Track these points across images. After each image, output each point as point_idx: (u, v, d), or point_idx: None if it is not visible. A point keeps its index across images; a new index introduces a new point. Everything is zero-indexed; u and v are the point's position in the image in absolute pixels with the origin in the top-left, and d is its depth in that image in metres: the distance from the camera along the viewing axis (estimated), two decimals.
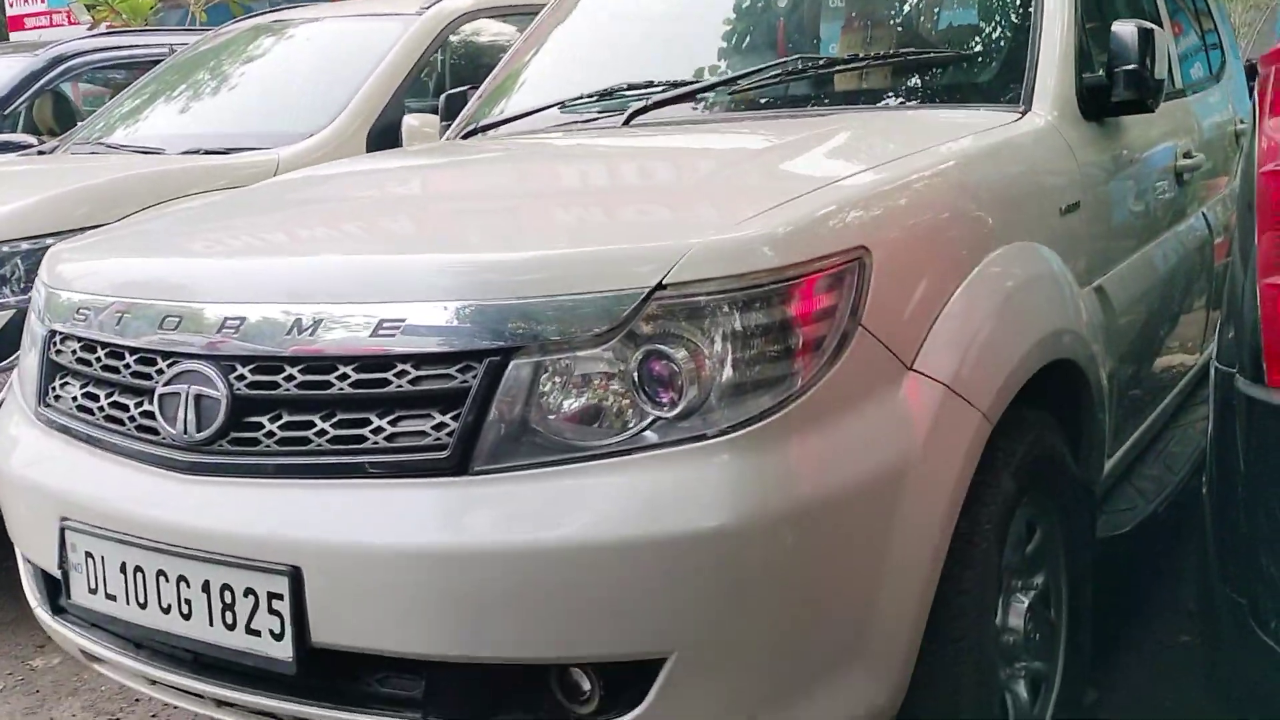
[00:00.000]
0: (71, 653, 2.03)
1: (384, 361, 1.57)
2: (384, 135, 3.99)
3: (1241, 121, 4.00)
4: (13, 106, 5.66)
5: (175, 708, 2.67)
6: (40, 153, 4.59)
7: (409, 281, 1.61)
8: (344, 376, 1.59)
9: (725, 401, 1.49)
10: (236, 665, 1.67)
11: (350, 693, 1.61)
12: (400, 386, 1.56)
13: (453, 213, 2.00)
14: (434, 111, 4.04)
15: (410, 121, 3.91)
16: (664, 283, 1.49)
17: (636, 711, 1.48)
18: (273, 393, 1.65)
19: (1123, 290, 2.50)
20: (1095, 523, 2.40)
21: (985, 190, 1.98)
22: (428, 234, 1.89)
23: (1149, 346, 2.82)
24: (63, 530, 1.83)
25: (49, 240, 3.16)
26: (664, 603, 1.45)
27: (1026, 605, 2.06)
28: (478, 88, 3.39)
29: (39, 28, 15.23)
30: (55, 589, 2.01)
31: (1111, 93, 2.42)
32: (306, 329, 1.62)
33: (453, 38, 4.45)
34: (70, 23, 14.81)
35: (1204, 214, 3.29)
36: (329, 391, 1.60)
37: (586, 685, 1.52)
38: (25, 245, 3.15)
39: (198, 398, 1.70)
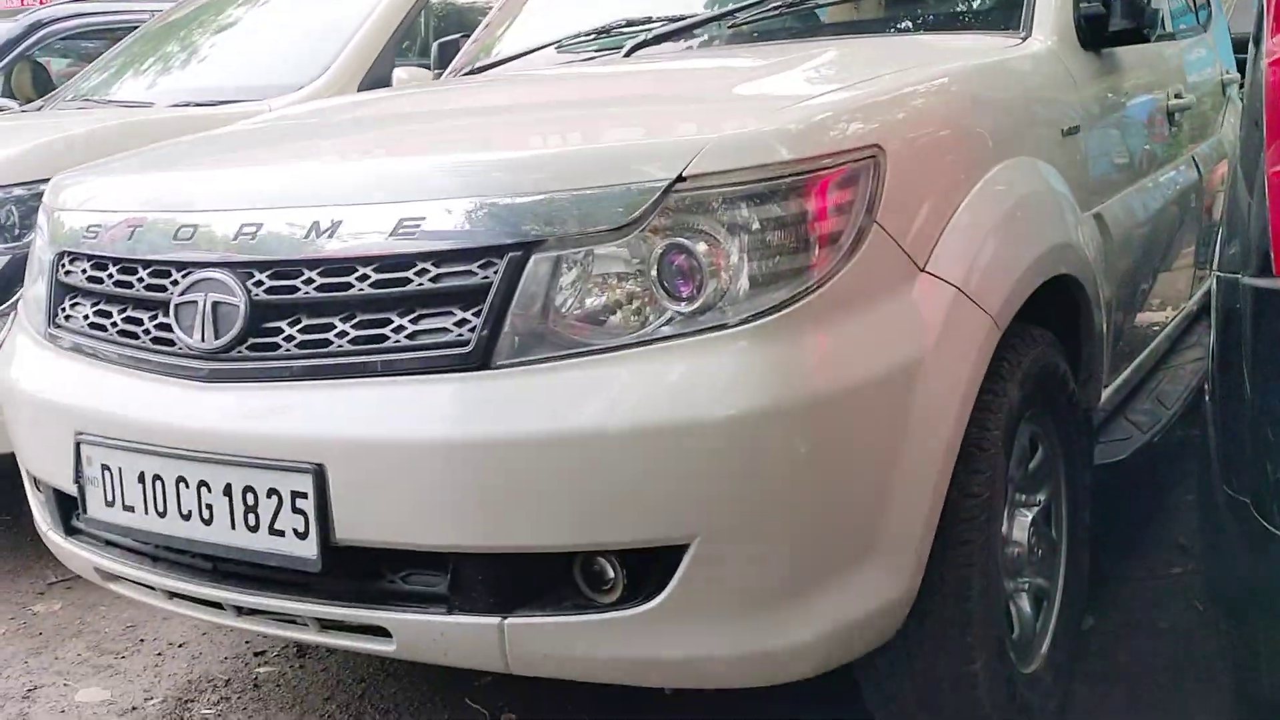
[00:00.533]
0: (85, 573, 2.03)
1: (404, 261, 1.58)
2: (376, 87, 3.98)
3: (1227, 72, 4.05)
4: None
5: (180, 646, 2.69)
6: (24, 112, 4.56)
7: (428, 180, 1.61)
8: (364, 277, 1.60)
9: (743, 293, 1.51)
10: (258, 570, 1.68)
11: (375, 591, 1.62)
12: (421, 285, 1.57)
13: (467, 124, 2.01)
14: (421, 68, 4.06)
15: (400, 74, 3.91)
16: (683, 175, 1.51)
17: (660, 598, 1.50)
18: (291, 296, 1.65)
19: (1119, 221, 2.53)
20: (1093, 447, 2.43)
21: (992, 104, 2.00)
22: (444, 139, 1.89)
23: (1143, 283, 2.85)
24: (78, 445, 1.83)
25: (42, 187, 3.16)
26: (685, 489, 1.47)
27: (1030, 520, 2.09)
28: (468, 35, 3.39)
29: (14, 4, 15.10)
30: (68, 511, 2.01)
31: (1109, 21, 2.45)
32: (324, 232, 1.63)
33: None
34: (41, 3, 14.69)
35: (1193, 158, 3.34)
36: (349, 293, 1.61)
37: (610, 574, 1.54)
38: (18, 191, 3.13)
39: (215, 306, 1.70)
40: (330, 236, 1.62)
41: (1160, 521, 3.12)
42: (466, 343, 1.54)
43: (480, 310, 1.54)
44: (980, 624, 1.82)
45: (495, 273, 1.54)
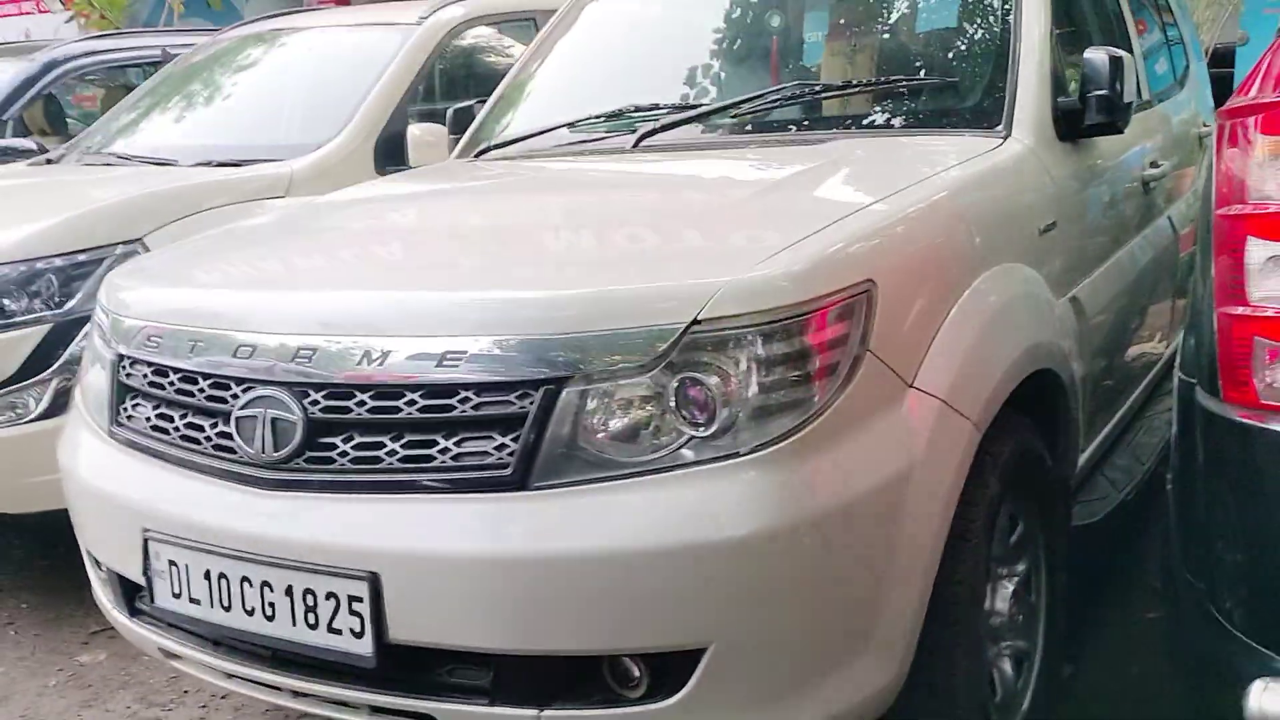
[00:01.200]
0: (147, 650, 2.22)
1: (449, 389, 1.77)
2: (389, 144, 4.15)
3: (1205, 125, 4.23)
4: (10, 112, 5.77)
5: (223, 698, 2.88)
6: (49, 161, 4.71)
7: (470, 317, 1.80)
8: (411, 402, 1.79)
9: (753, 421, 1.70)
10: (315, 660, 1.87)
11: (424, 683, 1.81)
12: (464, 411, 1.76)
13: (499, 244, 2.19)
14: (431, 117, 4.23)
15: (414, 132, 4.08)
16: (699, 318, 1.70)
17: (680, 695, 1.70)
18: (345, 416, 1.84)
19: (1095, 297, 2.73)
20: (1070, 512, 2.63)
21: (975, 218, 2.19)
22: (481, 267, 2.08)
23: (1120, 346, 3.05)
24: (146, 541, 2.02)
25: (80, 256, 3.35)
26: (702, 601, 1.67)
27: (1011, 591, 2.29)
28: (483, 101, 3.57)
29: (8, 15, 15.19)
30: (131, 593, 2.20)
31: (1084, 116, 2.64)
32: (376, 360, 1.81)
33: (453, 43, 4.61)
34: (39, 11, 14.79)
35: (1169, 217, 3.52)
36: (398, 415, 1.80)
37: (636, 672, 1.73)
38: (58, 261, 3.31)
39: (273, 420, 1.89)
40: (381, 364, 1.81)
41: (1135, 564, 3.32)
42: (506, 465, 1.73)
43: (518, 436, 1.73)
44: (964, 694, 2.02)
45: (531, 403, 1.73)
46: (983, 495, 2.04)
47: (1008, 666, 2.32)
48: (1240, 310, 1.62)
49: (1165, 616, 2.93)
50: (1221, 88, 6.08)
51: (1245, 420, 1.64)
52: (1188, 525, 1.96)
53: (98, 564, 2.30)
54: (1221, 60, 7.38)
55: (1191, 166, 3.92)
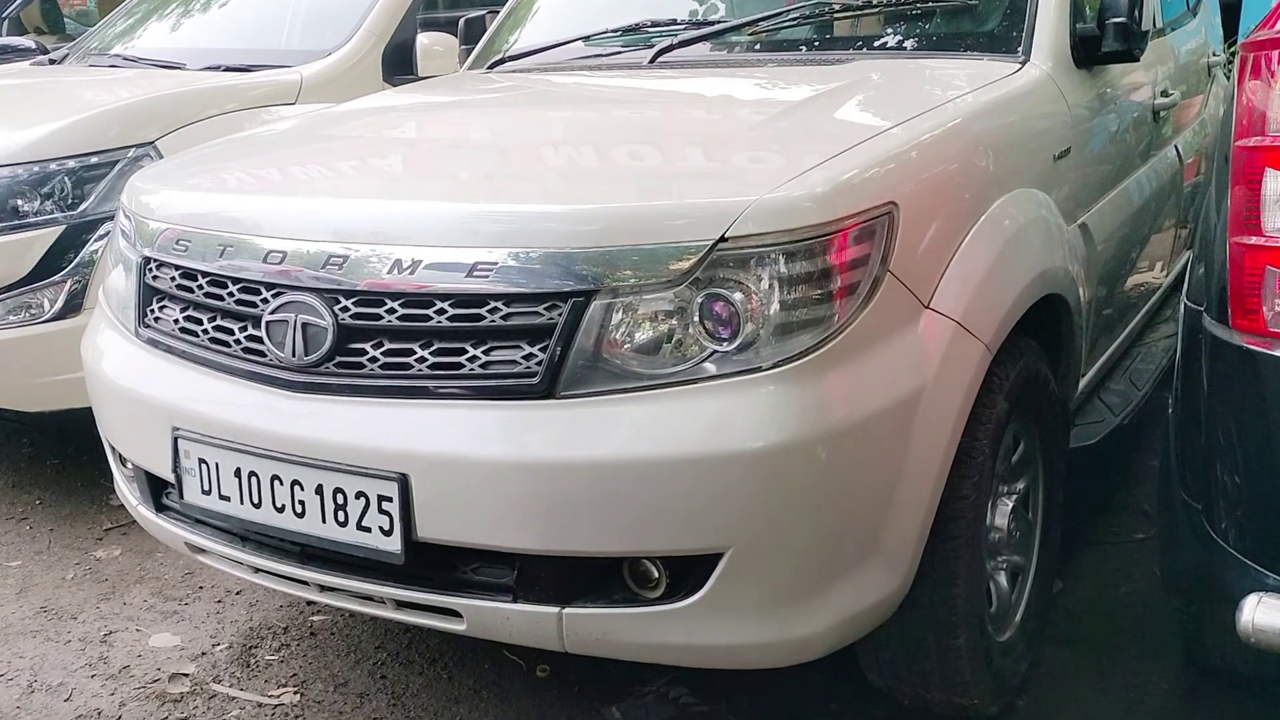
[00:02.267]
0: (174, 545, 2.28)
1: (478, 299, 1.81)
2: (397, 53, 4.13)
3: (1214, 54, 4.24)
4: (9, 10, 5.69)
5: (238, 593, 2.96)
6: (52, 61, 4.67)
7: (501, 229, 1.83)
8: (441, 311, 1.83)
9: (774, 338, 1.75)
10: (343, 556, 1.94)
11: (449, 580, 1.89)
12: (493, 321, 1.80)
13: (525, 158, 2.21)
14: (437, 26, 4.21)
15: (424, 41, 4.07)
16: (725, 236, 1.74)
17: (697, 596, 1.77)
18: (375, 323, 1.88)
19: (1103, 224, 2.77)
20: (1069, 434, 2.70)
21: (992, 143, 2.22)
22: (510, 181, 2.10)
23: (1124, 273, 3.10)
24: (176, 439, 2.07)
25: (93, 159, 3.35)
26: (722, 508, 1.73)
27: (1010, 508, 2.36)
28: (495, 10, 3.55)
29: None
30: (157, 490, 2.26)
31: (1101, 43, 2.65)
32: (407, 269, 1.85)
33: None
34: None
35: (1175, 146, 3.55)
36: (428, 324, 1.84)
37: (655, 574, 1.81)
38: (71, 163, 3.31)
39: (304, 325, 1.93)
40: (412, 273, 1.85)
41: (1128, 485, 3.42)
42: (534, 375, 1.78)
43: (546, 346, 1.78)
44: (964, 604, 2.10)
45: (559, 315, 1.77)
46: (990, 415, 2.10)
47: (1003, 580, 2.40)
48: (1254, 240, 1.67)
49: (1156, 538, 3.05)
50: (1230, 15, 6.05)
51: (1252, 347, 1.69)
52: (1187, 448, 2.03)
53: (123, 461, 2.36)
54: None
55: (1199, 95, 3.94)
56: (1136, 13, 2.63)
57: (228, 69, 3.98)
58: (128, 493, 2.38)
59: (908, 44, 2.73)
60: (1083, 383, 2.83)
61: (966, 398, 1.99)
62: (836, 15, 2.86)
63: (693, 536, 1.74)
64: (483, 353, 1.82)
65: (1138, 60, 2.73)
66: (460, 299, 1.82)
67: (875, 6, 2.83)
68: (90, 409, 2.44)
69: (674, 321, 1.77)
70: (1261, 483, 1.75)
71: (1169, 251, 3.68)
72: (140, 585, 3.06)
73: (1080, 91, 2.65)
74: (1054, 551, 2.61)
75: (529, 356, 1.79)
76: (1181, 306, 2.11)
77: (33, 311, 3.27)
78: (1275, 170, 1.63)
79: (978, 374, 2.02)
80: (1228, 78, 4.40)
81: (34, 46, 5.27)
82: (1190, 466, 2.03)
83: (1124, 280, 3.13)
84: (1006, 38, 2.62)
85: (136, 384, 2.20)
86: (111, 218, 3.28)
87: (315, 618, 2.84)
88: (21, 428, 4.02)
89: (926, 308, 1.93)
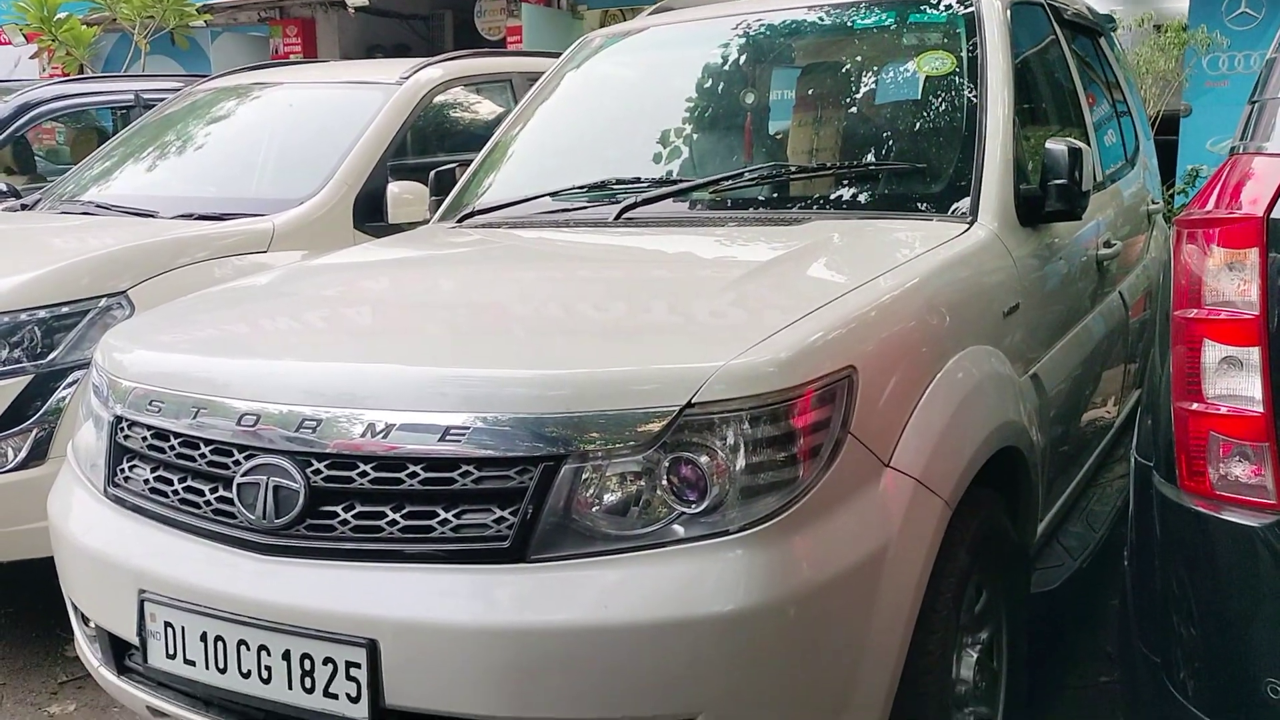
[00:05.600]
0: (135, 709, 2.24)
1: (450, 462, 1.84)
2: (369, 201, 4.23)
3: (1154, 201, 4.44)
4: None
5: None
6: (24, 206, 4.73)
7: (472, 392, 1.88)
8: (413, 474, 1.86)
9: (741, 500, 1.80)
10: None
11: None
12: (464, 484, 1.83)
13: (497, 319, 2.26)
14: (409, 173, 4.32)
15: (394, 190, 4.18)
16: (692, 401, 1.79)
17: None
18: (347, 486, 1.91)
19: (1054, 373, 2.86)
20: (1030, 581, 2.74)
21: (945, 303, 2.31)
22: (482, 343, 2.15)
23: (1076, 417, 3.19)
24: (142, 602, 2.06)
25: (64, 309, 3.38)
26: (692, 673, 1.75)
27: (975, 658, 2.38)
28: (465, 163, 3.66)
29: None
30: (120, 652, 2.23)
31: (1045, 203, 2.78)
32: (380, 432, 1.89)
33: (432, 103, 4.70)
34: (1, 42, 14.73)
35: (1120, 292, 3.69)
36: (400, 487, 1.87)
37: None
38: (41, 314, 3.34)
39: (275, 488, 1.95)
40: (385, 436, 1.88)
41: (1090, 627, 3.45)
42: (504, 538, 1.80)
43: (516, 509, 1.81)
44: None
45: (529, 478, 1.81)
46: (952, 569, 2.14)
47: None
48: (1196, 406, 1.74)
49: (1119, 682, 3.06)
50: (1166, 153, 6.35)
51: (1200, 509, 1.75)
52: (1144, 601, 2.07)
53: (85, 621, 2.33)
54: (1166, 128, 7.71)
55: (1140, 237, 4.10)
56: (1077, 174, 2.77)
57: (200, 217, 4.04)
58: (89, 653, 2.35)
59: (862, 204, 2.85)
60: (1041, 527, 2.89)
61: (929, 553, 2.04)
62: (794, 176, 2.99)
63: (663, 702, 1.75)
64: (454, 515, 1.84)
65: (1080, 219, 2.86)
66: (432, 462, 1.85)
67: (831, 169, 2.96)
68: (48, 558, 2.42)
69: (642, 483, 1.81)
70: (1217, 641, 1.79)
71: (1120, 389, 3.79)
72: None
73: (1026, 248, 2.77)
74: (1021, 699, 2.62)
75: (499, 520, 1.82)
76: (1132, 460, 2.18)
77: None
78: (1212, 340, 1.72)
79: (939, 529, 2.07)
80: (1167, 223, 4.60)
81: (5, 189, 5.33)
82: (1148, 619, 2.06)
83: (1077, 424, 3.22)
84: (954, 200, 2.74)
85: (103, 544, 2.20)
86: (80, 366, 3.31)
87: None
88: None
89: (887, 466, 1.99)
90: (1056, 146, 2.77)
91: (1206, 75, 8.21)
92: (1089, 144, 3.39)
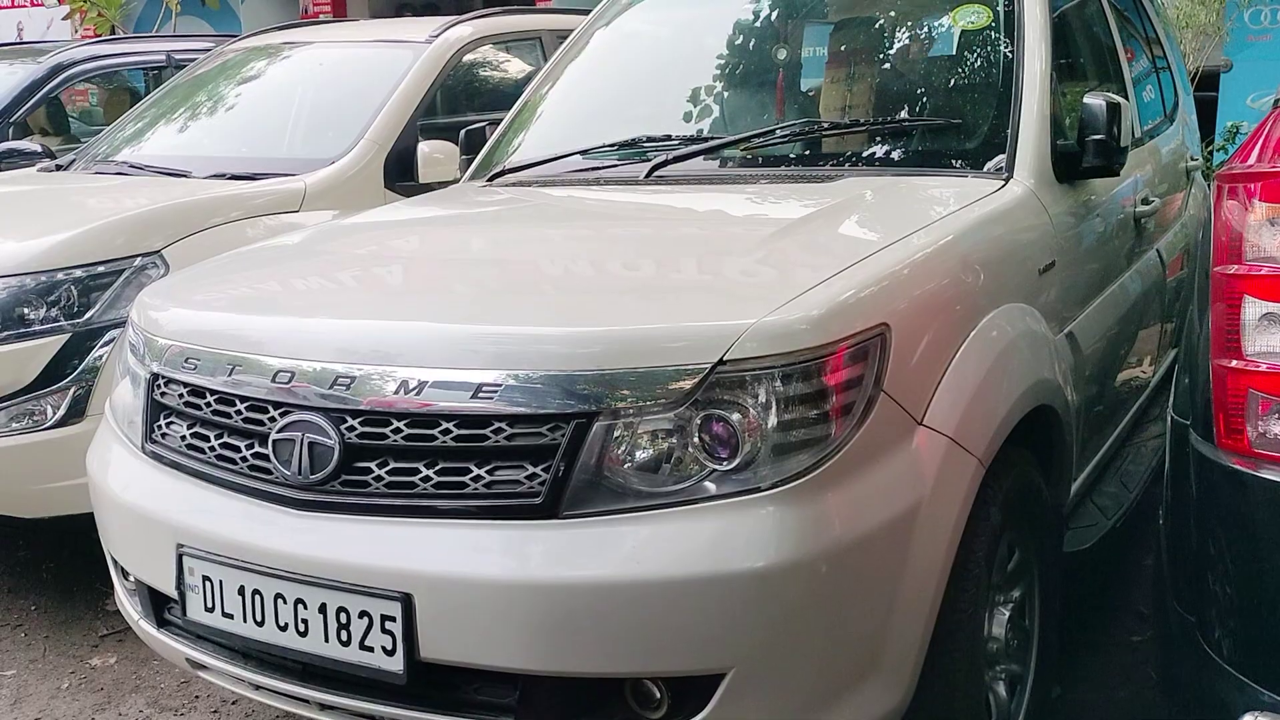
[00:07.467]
0: (174, 661, 2.29)
1: (483, 419, 1.85)
2: (400, 160, 4.22)
3: (1193, 158, 4.36)
4: (18, 115, 5.81)
5: (233, 703, 2.95)
6: (59, 167, 4.76)
7: (505, 350, 1.88)
8: (446, 431, 1.87)
9: (773, 458, 1.79)
10: (345, 675, 1.95)
11: (451, 700, 1.89)
12: (497, 441, 1.84)
13: (529, 277, 2.27)
14: (438, 132, 4.31)
15: (425, 149, 4.17)
16: (724, 358, 1.79)
17: (699, 717, 1.78)
18: (381, 442, 1.92)
19: (1089, 332, 2.83)
20: (1063, 540, 2.73)
21: (980, 261, 2.29)
22: (515, 301, 2.15)
23: (1111, 377, 3.16)
24: (180, 556, 2.09)
25: (100, 268, 3.41)
26: (723, 628, 1.75)
27: (1007, 617, 2.38)
28: (495, 122, 3.65)
29: (2, 9, 15.26)
30: (160, 606, 2.27)
31: (1082, 159, 2.74)
32: (413, 389, 1.89)
33: (462, 61, 4.68)
34: (33, 4, 14.81)
35: (1158, 250, 3.64)
36: (433, 444, 1.88)
37: (657, 694, 1.82)
38: (78, 273, 3.37)
39: (310, 444, 1.97)
40: (417, 394, 1.89)
41: (1124, 586, 3.43)
42: (537, 494, 1.81)
43: (548, 466, 1.81)
44: (964, 718, 2.11)
45: (561, 435, 1.81)
46: (985, 527, 2.13)
47: (1002, 689, 2.41)
48: (1235, 363, 1.72)
49: (1152, 642, 3.05)
50: (1206, 110, 6.22)
51: (1238, 467, 1.73)
52: (1179, 560, 2.06)
53: (125, 575, 2.37)
54: (1206, 83, 7.56)
55: (1179, 194, 4.04)
56: (1115, 129, 2.72)
57: (232, 177, 4.06)
58: (129, 606, 2.39)
59: (896, 160, 2.82)
60: (1074, 486, 2.87)
61: (961, 511, 2.03)
62: (826, 133, 2.95)
63: (694, 657, 1.76)
64: (486, 472, 1.85)
65: (1118, 175, 2.82)
66: (465, 419, 1.86)
67: (864, 125, 2.93)
68: (88, 514, 2.46)
69: (674, 441, 1.81)
70: (1253, 599, 1.78)
71: (1156, 348, 3.75)
72: (136, 695, 3.04)
73: (1062, 205, 2.73)
74: (1052, 658, 2.62)
75: (532, 476, 1.82)
76: (1169, 419, 2.16)
77: (35, 419, 3.30)
78: (1252, 297, 1.69)
79: (972, 488, 2.06)
80: (1206, 180, 4.52)
81: (40, 150, 5.37)
82: (1183, 578, 2.05)
83: (1112, 384, 3.19)
84: (990, 156, 2.70)
85: (142, 499, 2.23)
86: (116, 325, 3.34)
87: None
88: (17, 532, 4.02)
89: (920, 424, 1.98)
90: (1094, 101, 2.72)
91: (1248, 29, 8.02)
92: (1127, 99, 3.33)
